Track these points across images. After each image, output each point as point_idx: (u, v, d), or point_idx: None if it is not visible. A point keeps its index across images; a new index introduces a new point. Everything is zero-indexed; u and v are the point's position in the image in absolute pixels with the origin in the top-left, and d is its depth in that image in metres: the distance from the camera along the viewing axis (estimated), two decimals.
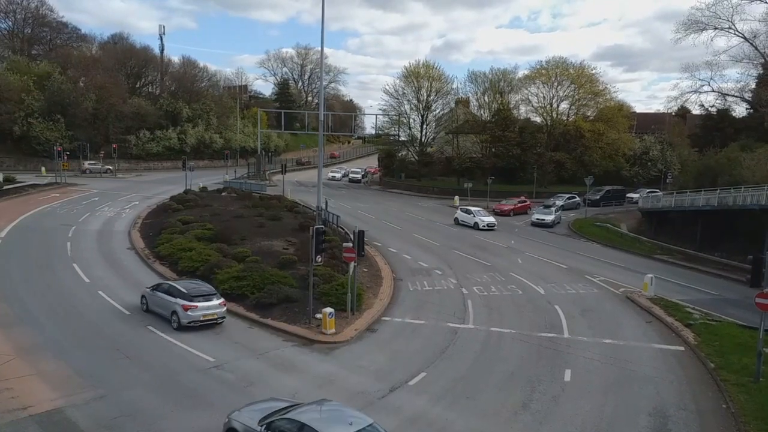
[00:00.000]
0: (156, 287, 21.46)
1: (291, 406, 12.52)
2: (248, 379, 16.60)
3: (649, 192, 57.93)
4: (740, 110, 65.68)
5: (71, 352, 17.49)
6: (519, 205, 53.97)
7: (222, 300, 21.04)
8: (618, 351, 20.42)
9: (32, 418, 13.59)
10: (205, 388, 15.94)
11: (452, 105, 74.67)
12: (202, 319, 20.03)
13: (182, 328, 19.75)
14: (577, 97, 70.85)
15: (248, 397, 15.53)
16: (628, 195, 62.93)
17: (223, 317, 20.82)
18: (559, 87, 70.52)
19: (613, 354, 20.09)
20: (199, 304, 20.02)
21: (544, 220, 47.97)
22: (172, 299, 20.20)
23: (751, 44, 56.30)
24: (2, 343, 17.80)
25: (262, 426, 11.62)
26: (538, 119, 74.63)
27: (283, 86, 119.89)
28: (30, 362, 16.60)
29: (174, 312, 19.99)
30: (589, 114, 72.50)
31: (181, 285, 21.00)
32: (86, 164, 70.47)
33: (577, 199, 59.28)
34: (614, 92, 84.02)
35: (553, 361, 19.21)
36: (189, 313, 19.83)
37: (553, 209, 50.40)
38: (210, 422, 13.94)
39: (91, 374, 16.06)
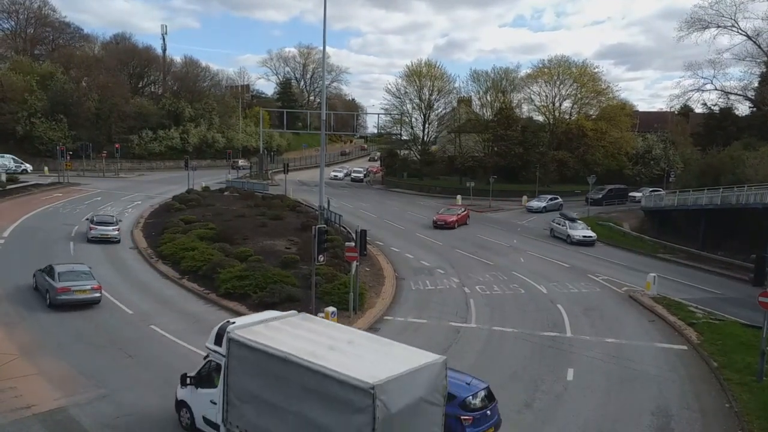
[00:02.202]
0: (88, 218, 33.76)
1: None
2: None
3: (651, 191, 57.76)
4: (743, 109, 65.45)
5: (74, 351, 17.52)
6: (461, 214, 45.86)
7: (117, 227, 32.51)
8: (621, 350, 20.40)
9: (36, 417, 13.63)
10: None
11: (454, 104, 74.69)
12: (99, 236, 31.37)
13: (89, 241, 31.09)
14: (579, 95, 70.77)
15: None
16: (631, 194, 62.70)
17: (117, 239, 31.89)
18: (562, 86, 70.51)
19: (616, 353, 20.06)
20: (99, 227, 31.70)
21: (591, 237, 40.55)
22: (89, 224, 32.29)
23: (755, 42, 56.18)
24: (5, 342, 17.86)
25: (41, 271, 22.10)
26: (540, 118, 74.67)
27: (285, 86, 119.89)
28: (33, 361, 16.65)
29: (87, 231, 31.97)
30: (591, 113, 72.39)
31: (96, 216, 33.69)
32: (240, 161, 71.59)
33: (560, 200, 57.43)
34: (617, 91, 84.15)
35: (556, 360, 19.19)
36: (92, 232, 31.50)
37: (580, 223, 43.48)
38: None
39: (93, 374, 16.10)
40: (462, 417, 12.31)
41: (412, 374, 10.38)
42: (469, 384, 13.17)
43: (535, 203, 55.70)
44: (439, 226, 43.55)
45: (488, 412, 12.94)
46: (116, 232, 32.07)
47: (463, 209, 47.55)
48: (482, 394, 13.08)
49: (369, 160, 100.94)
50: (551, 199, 56.78)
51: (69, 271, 21.50)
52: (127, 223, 37.46)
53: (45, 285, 21.40)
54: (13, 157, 59.65)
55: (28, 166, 59.42)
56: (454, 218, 44.54)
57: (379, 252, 33.74)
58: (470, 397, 12.79)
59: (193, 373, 13.34)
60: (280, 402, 10.94)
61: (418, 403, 10.41)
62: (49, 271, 21.55)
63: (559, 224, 42.98)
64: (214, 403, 12.43)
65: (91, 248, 30.87)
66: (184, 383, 13.37)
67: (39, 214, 38.97)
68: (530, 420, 15.09)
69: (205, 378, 13.01)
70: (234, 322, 12.70)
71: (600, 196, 59.81)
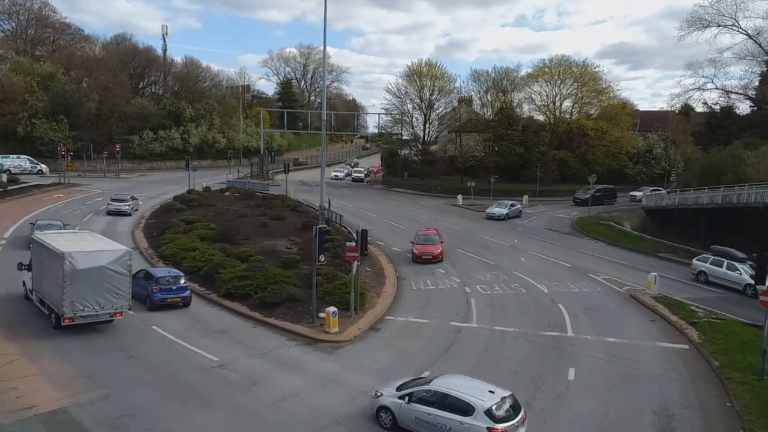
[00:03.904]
0: (111, 197, 42.27)
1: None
2: (252, 379, 16.63)
3: (652, 190, 57.64)
4: (744, 108, 65.28)
5: (73, 352, 17.55)
6: (442, 241, 34.43)
7: (129, 203, 40.50)
8: (622, 349, 20.38)
9: (37, 417, 13.66)
10: (209, 387, 15.98)
11: (455, 104, 74.62)
12: (114, 210, 39.43)
13: (108, 213, 39.31)
14: (580, 95, 70.73)
15: (251, 396, 15.58)
16: (632, 193, 62.56)
17: (129, 213, 39.56)
18: (562, 85, 70.47)
19: (617, 352, 20.05)
20: (114, 203, 40.21)
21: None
22: (109, 200, 41.31)
23: (755, 41, 55.99)
24: (6, 343, 17.90)
25: (31, 224, 30.60)
26: (541, 118, 74.55)
27: (285, 86, 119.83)
28: (34, 362, 16.68)
29: (106, 206, 40.58)
30: (592, 112, 72.39)
31: (115, 194, 42.61)
32: (300, 159, 72.48)
33: (519, 206, 53.46)
34: (617, 90, 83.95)
35: (557, 360, 19.19)
36: (109, 207, 39.73)
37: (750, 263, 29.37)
38: (212, 422, 13.99)
39: (92, 373, 16.15)
40: (153, 287, 21.82)
41: (96, 252, 19.09)
42: (169, 272, 22.96)
43: (497, 210, 50.44)
44: (425, 260, 32.29)
45: (173, 287, 22.18)
46: (127, 207, 39.82)
47: (436, 234, 34.92)
48: (168, 276, 22.56)
49: (350, 165, 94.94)
50: (511, 205, 52.26)
51: (45, 224, 29.03)
52: (129, 223, 37.49)
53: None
54: (29, 157, 60.74)
55: (44, 167, 59.96)
56: (440, 248, 33.40)
57: (380, 252, 33.72)
58: (160, 278, 22.25)
59: (26, 263, 21.40)
60: (45, 270, 19.62)
61: (102, 268, 18.64)
62: (34, 223, 29.91)
63: (721, 266, 30.63)
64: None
65: None
66: (20, 268, 21.66)
67: (40, 214, 38.91)
68: (532, 419, 15.03)
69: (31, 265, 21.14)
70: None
71: (588, 196, 58.43)
